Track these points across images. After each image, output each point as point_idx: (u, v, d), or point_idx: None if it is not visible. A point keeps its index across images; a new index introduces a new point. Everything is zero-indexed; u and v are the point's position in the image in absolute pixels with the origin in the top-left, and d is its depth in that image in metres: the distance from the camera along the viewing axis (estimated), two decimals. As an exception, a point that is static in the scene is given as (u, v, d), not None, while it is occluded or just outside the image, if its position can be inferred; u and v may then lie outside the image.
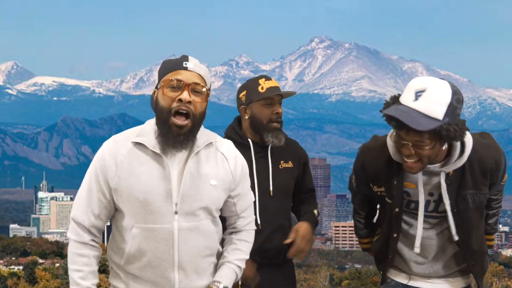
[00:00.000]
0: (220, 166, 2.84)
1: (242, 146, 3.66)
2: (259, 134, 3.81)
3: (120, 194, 2.78)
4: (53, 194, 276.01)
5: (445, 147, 3.01)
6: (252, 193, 3.02)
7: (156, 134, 2.78)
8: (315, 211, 3.89)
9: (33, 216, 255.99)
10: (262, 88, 3.83)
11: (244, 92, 3.86)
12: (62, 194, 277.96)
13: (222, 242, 2.98)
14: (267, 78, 3.90)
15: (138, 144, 2.78)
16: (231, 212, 2.96)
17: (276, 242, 3.80)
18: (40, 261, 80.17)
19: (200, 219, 2.80)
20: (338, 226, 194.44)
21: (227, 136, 3.83)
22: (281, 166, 3.88)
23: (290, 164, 3.90)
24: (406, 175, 3.11)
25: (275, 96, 3.83)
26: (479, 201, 3.14)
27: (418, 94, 2.88)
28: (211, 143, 2.84)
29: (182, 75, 2.76)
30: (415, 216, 3.18)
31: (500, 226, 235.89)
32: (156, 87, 2.81)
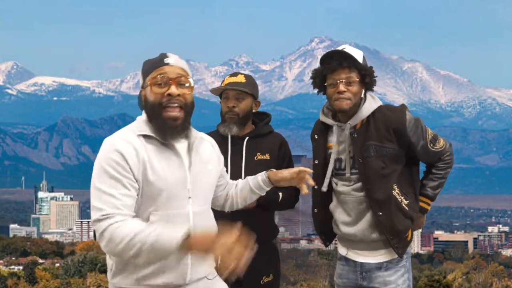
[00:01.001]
0: (211, 152, 3.08)
1: (222, 137, 4.04)
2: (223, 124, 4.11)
3: (142, 185, 2.84)
4: (53, 194, 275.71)
5: (362, 94, 3.68)
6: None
7: (153, 129, 2.89)
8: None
9: (33, 216, 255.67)
10: (223, 84, 4.11)
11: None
12: (62, 194, 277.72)
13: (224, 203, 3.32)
14: (234, 74, 4.12)
15: (145, 137, 2.88)
16: (223, 185, 3.27)
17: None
18: (40, 261, 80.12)
19: (205, 203, 2.99)
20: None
21: (216, 128, 4.17)
22: (257, 157, 4.07)
23: (266, 156, 4.08)
24: (328, 135, 3.79)
25: (230, 92, 4.04)
26: (382, 153, 3.63)
27: (342, 49, 3.68)
28: (200, 135, 3.07)
29: (165, 71, 2.88)
30: (342, 177, 3.75)
31: (500, 226, 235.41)
32: (142, 87, 2.93)
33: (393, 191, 3.65)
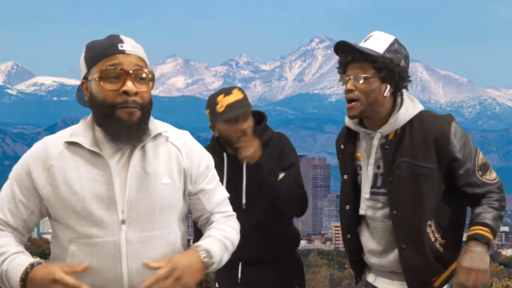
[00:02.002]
0: (174, 160, 2.36)
1: (219, 157, 3.45)
2: (233, 149, 3.42)
3: (54, 204, 2.29)
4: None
5: (386, 93, 2.91)
6: (223, 188, 2.55)
7: (95, 132, 2.31)
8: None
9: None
10: (221, 107, 3.41)
11: (208, 111, 3.51)
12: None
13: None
14: (227, 93, 3.42)
15: (72, 145, 2.30)
16: (201, 211, 2.48)
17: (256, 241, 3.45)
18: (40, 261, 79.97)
19: (154, 228, 2.30)
20: (338, 226, 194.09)
21: (210, 144, 3.56)
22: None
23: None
24: (357, 145, 3.07)
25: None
26: (416, 173, 2.89)
27: (366, 39, 2.98)
28: (160, 133, 2.36)
29: (120, 61, 2.25)
30: (373, 197, 3.04)
31: (500, 226, 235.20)
32: (86, 78, 2.31)
33: (428, 227, 2.93)
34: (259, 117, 3.57)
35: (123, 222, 2.26)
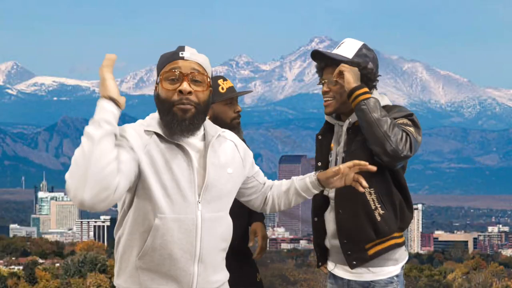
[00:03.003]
0: (233, 154, 2.83)
1: None
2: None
3: (144, 180, 2.62)
4: (53, 194, 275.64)
5: None
6: None
7: (162, 126, 2.68)
8: None
9: (33, 216, 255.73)
10: (223, 89, 3.98)
11: None
12: (62, 194, 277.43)
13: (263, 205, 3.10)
14: (224, 79, 4.04)
15: (155, 134, 2.68)
16: (256, 187, 3.02)
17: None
18: (40, 261, 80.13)
19: (220, 209, 2.74)
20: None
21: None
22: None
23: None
24: (332, 136, 3.54)
25: (235, 97, 4.00)
26: (361, 146, 3.35)
27: (338, 46, 3.49)
28: (219, 134, 2.82)
29: (179, 65, 2.68)
30: None
31: (500, 226, 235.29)
32: (156, 82, 2.74)
33: (368, 194, 3.30)
34: None
35: (199, 202, 2.67)
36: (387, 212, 3.31)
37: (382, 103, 3.38)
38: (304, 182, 3.01)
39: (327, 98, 3.43)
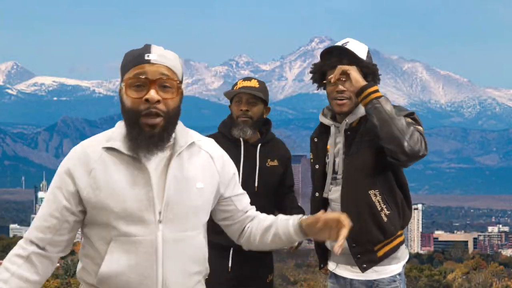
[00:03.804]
0: (206, 166, 2.52)
1: (232, 143, 3.99)
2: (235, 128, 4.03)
3: (94, 205, 2.39)
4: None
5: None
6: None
7: (127, 138, 2.41)
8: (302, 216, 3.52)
9: (33, 216, 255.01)
10: (236, 87, 4.06)
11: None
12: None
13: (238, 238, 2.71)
14: (247, 79, 4.08)
15: (110, 149, 2.41)
16: (231, 212, 2.64)
17: None
18: (40, 261, 79.92)
19: (186, 228, 2.44)
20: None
21: (219, 131, 4.08)
22: (268, 164, 4.04)
23: (275, 162, 4.08)
24: (329, 138, 3.47)
25: (244, 95, 3.98)
26: (362, 147, 3.31)
27: (344, 43, 3.35)
28: (193, 142, 2.51)
29: (145, 70, 2.37)
30: (337, 181, 3.39)
31: (500, 226, 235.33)
32: (120, 86, 2.43)
33: (373, 196, 3.27)
34: (266, 121, 4.18)
35: (159, 221, 2.38)
36: (392, 212, 3.29)
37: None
38: (287, 224, 2.57)
39: (342, 97, 3.32)
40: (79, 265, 2.50)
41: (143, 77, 2.35)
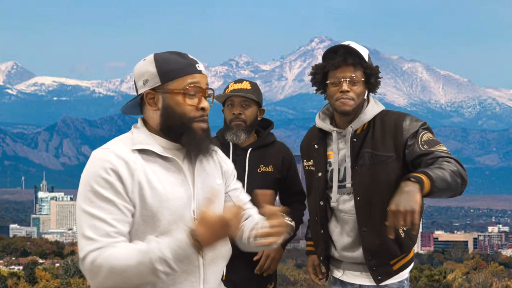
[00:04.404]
0: (217, 163, 2.64)
1: (223, 147, 3.82)
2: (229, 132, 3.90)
3: (138, 206, 2.40)
4: (53, 194, 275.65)
5: (365, 96, 3.31)
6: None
7: (156, 140, 2.46)
8: (292, 223, 3.52)
9: (33, 216, 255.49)
10: (227, 90, 3.92)
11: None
12: (62, 194, 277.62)
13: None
14: (238, 81, 3.95)
15: (141, 152, 2.44)
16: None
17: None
18: (40, 261, 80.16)
19: None
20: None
21: (216, 135, 3.99)
22: (260, 170, 3.88)
23: (270, 168, 3.90)
24: (328, 143, 3.40)
25: (236, 98, 3.87)
26: (376, 161, 3.23)
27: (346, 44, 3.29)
28: None
29: (198, 80, 2.48)
30: (342, 189, 3.34)
31: (500, 226, 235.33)
32: (154, 89, 2.46)
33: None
34: (267, 123, 4.06)
35: (195, 219, 2.44)
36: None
37: (378, 109, 3.33)
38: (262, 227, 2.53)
39: (346, 97, 3.26)
40: None
41: (199, 86, 2.46)
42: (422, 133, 3.21)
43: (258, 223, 2.61)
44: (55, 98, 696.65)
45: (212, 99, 2.54)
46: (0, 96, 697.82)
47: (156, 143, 2.46)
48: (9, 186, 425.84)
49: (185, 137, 2.46)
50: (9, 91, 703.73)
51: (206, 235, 2.26)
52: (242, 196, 2.72)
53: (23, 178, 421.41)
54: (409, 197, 2.83)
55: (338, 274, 3.42)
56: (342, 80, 3.23)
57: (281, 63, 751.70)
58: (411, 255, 3.35)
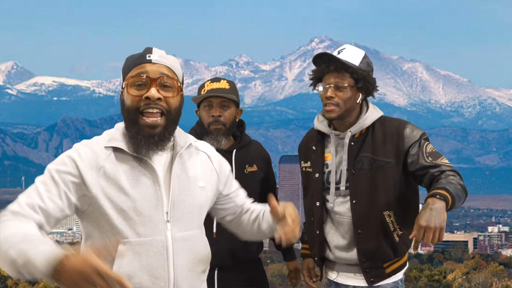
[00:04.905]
0: (205, 166, 2.56)
1: None
2: (207, 136, 3.68)
3: (102, 204, 2.33)
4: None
5: (359, 100, 3.34)
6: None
7: (127, 139, 2.40)
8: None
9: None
10: (204, 91, 3.67)
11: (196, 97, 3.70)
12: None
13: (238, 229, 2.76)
14: (215, 80, 3.71)
15: (115, 150, 2.40)
16: (232, 209, 2.71)
17: (236, 248, 3.65)
18: (40, 261, 79.88)
19: (193, 227, 2.46)
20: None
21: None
22: (246, 170, 3.78)
23: (254, 168, 3.82)
24: (325, 145, 3.43)
25: (214, 99, 3.65)
26: (375, 166, 3.28)
27: (339, 51, 3.34)
28: (190, 143, 2.54)
29: (146, 69, 2.40)
30: (337, 191, 3.38)
31: (500, 226, 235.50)
32: (122, 87, 2.45)
33: (387, 217, 3.29)
34: (240, 124, 3.85)
35: (167, 221, 2.38)
36: (404, 232, 3.31)
37: (377, 115, 3.38)
38: (268, 216, 2.64)
39: (331, 104, 3.32)
40: None
41: (144, 75, 2.37)
42: (425, 144, 3.28)
43: (262, 211, 2.67)
44: (55, 98, 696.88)
45: (175, 88, 2.42)
46: (0, 96, 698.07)
47: (129, 142, 2.40)
48: (9, 186, 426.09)
49: (130, 131, 2.39)
50: (9, 91, 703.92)
51: (71, 274, 2.02)
52: (241, 194, 2.75)
53: (23, 178, 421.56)
54: (438, 214, 2.95)
55: (332, 276, 3.46)
56: (327, 86, 3.30)
57: (281, 63, 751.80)
58: (404, 258, 3.39)
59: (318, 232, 3.42)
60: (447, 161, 3.24)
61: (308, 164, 3.48)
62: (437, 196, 2.99)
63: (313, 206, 3.42)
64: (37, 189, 2.30)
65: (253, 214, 2.71)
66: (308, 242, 3.56)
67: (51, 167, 2.34)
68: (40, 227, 2.25)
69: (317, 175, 3.41)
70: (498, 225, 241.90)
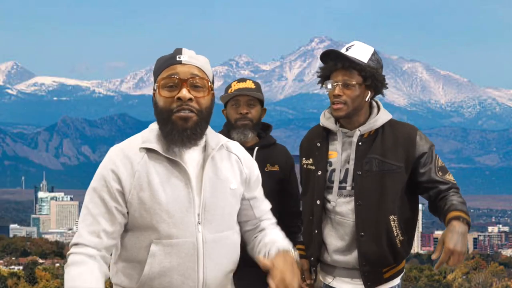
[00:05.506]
0: (236, 168, 2.57)
1: None
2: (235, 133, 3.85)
3: (136, 208, 2.42)
4: (53, 194, 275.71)
5: (367, 98, 3.27)
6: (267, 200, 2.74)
7: (162, 137, 2.47)
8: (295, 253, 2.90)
9: (33, 216, 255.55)
10: (231, 90, 3.88)
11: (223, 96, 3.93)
12: (62, 194, 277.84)
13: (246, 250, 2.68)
14: (241, 80, 3.92)
15: (149, 151, 2.45)
16: (248, 217, 2.65)
17: None
18: (40, 261, 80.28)
19: (223, 229, 2.49)
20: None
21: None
22: (267, 169, 3.87)
23: (276, 168, 3.90)
24: (330, 142, 3.36)
25: (241, 98, 3.84)
26: (384, 169, 3.22)
27: (348, 48, 3.29)
28: (222, 145, 2.56)
29: (176, 71, 2.44)
30: (342, 191, 3.30)
31: (500, 226, 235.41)
32: (154, 89, 2.50)
33: (392, 221, 3.23)
34: (266, 126, 4.03)
35: (199, 223, 2.43)
36: (405, 237, 3.28)
37: (387, 117, 3.32)
38: (272, 250, 2.55)
39: (339, 102, 3.25)
40: (113, 270, 2.52)
41: (175, 77, 2.41)
42: (436, 157, 3.28)
43: (267, 245, 2.57)
44: (55, 98, 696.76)
45: (206, 88, 2.45)
46: (0, 96, 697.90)
47: (163, 143, 2.45)
48: (9, 186, 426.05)
49: (165, 129, 2.43)
50: (9, 91, 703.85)
51: None
52: (263, 206, 2.68)
53: (23, 178, 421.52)
54: (464, 239, 3.01)
55: (328, 280, 3.39)
56: (335, 84, 3.25)
57: (281, 63, 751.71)
58: (402, 264, 3.37)
59: (316, 231, 3.35)
60: (452, 178, 3.28)
61: (310, 161, 3.42)
62: (461, 220, 3.04)
63: (313, 205, 3.35)
64: (90, 213, 2.41)
65: (265, 238, 2.62)
66: (304, 243, 3.48)
67: (96, 186, 2.43)
68: (107, 249, 2.41)
69: (319, 172, 3.33)
70: (498, 225, 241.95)
